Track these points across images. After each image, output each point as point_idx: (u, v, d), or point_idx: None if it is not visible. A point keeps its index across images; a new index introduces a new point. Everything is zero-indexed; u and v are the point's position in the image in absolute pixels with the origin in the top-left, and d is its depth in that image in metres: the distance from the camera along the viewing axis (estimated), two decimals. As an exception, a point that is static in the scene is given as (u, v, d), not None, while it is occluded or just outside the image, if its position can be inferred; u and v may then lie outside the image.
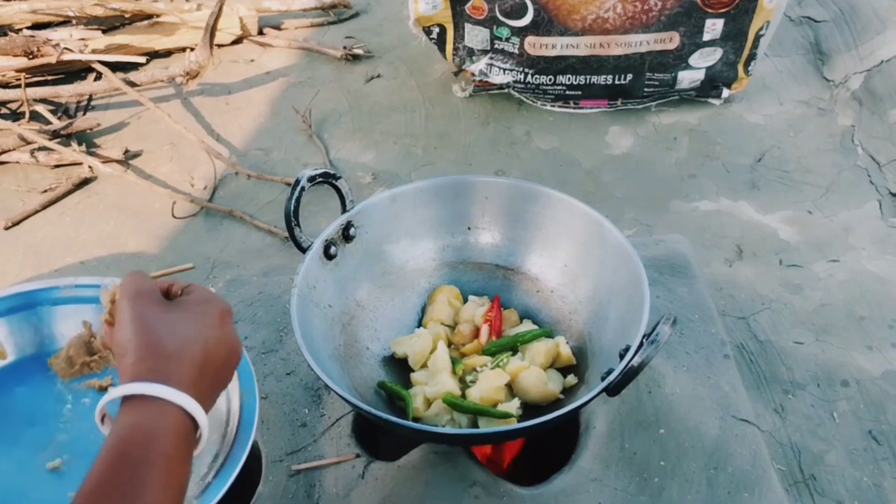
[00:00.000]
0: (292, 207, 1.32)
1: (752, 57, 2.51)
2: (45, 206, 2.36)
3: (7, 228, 2.28)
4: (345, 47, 2.94)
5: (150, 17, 2.94)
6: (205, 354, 0.82)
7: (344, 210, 1.42)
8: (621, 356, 1.17)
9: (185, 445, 0.77)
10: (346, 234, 1.42)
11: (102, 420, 0.83)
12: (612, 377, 1.14)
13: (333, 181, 1.38)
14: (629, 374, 1.12)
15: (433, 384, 1.34)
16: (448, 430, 1.26)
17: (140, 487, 0.71)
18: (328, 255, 1.39)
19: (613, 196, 2.31)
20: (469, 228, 1.53)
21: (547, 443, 1.43)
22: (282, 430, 1.43)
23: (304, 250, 1.36)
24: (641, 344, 1.14)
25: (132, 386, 0.76)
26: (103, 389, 1.27)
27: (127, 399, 0.77)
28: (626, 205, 2.27)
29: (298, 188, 1.31)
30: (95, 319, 1.16)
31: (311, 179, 1.33)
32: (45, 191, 2.42)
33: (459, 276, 1.53)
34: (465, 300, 1.51)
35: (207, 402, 0.81)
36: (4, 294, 1.33)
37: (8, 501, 1.13)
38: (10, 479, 1.16)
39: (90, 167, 2.43)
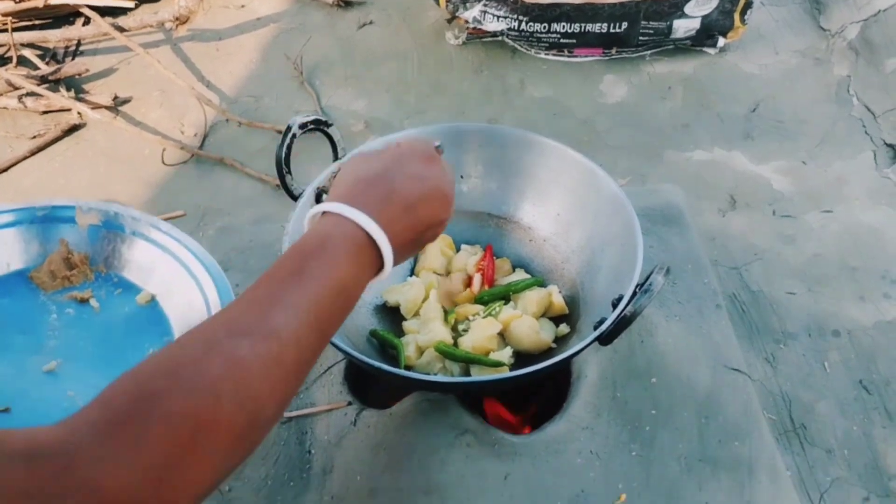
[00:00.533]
0: (283, 154, 1.30)
1: (748, 5, 2.49)
2: (33, 153, 2.34)
3: (-5, 174, 2.27)
4: (337, -7, 2.91)
5: (138, -40, 2.90)
6: (392, 185, 0.88)
7: (336, 157, 1.40)
8: (614, 305, 1.16)
9: (355, 254, 0.82)
10: (338, 182, 1.40)
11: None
12: (604, 326, 1.13)
13: (325, 128, 1.36)
14: (622, 324, 1.11)
15: (425, 333, 1.34)
16: (439, 378, 1.26)
17: (302, 269, 0.77)
18: (320, 203, 1.37)
19: (607, 145, 2.29)
20: (462, 177, 1.51)
21: (539, 391, 1.43)
22: (274, 378, 1.42)
23: (295, 198, 1.34)
24: (634, 293, 1.13)
25: (321, 206, 0.86)
26: (84, 301, 1.31)
27: (323, 215, 0.85)
28: (620, 154, 2.26)
29: (289, 135, 1.29)
30: (72, 238, 1.34)
31: (303, 126, 1.31)
32: (34, 137, 2.40)
33: (452, 226, 1.49)
34: (458, 249, 1.50)
35: (396, 232, 0.86)
36: None
37: (12, 400, 1.16)
38: (10, 381, 1.20)
39: (79, 113, 2.41)
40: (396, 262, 0.87)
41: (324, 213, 0.86)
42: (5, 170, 2.29)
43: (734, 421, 1.34)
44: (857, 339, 1.71)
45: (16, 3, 2.64)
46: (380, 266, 0.86)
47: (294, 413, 1.36)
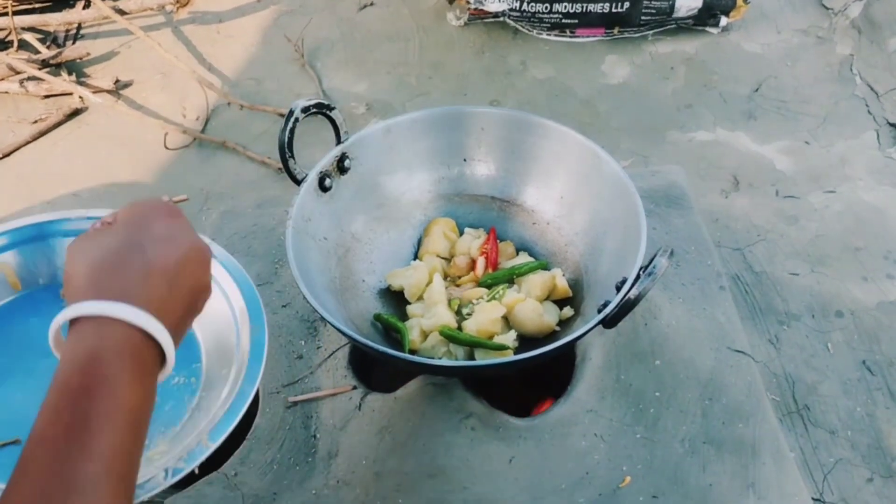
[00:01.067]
0: (286, 139, 1.30)
1: (751, -16, 2.48)
2: (35, 137, 2.34)
3: (-2, 160, 2.27)
4: (337, -26, 2.90)
5: (138, -58, 2.88)
6: (146, 258, 0.71)
7: (338, 141, 1.40)
8: (618, 288, 1.16)
9: (132, 363, 0.67)
10: (340, 166, 1.40)
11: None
12: (608, 309, 1.13)
13: (327, 112, 1.36)
14: (626, 307, 1.11)
15: (429, 317, 1.34)
16: (443, 361, 1.26)
17: (83, 421, 0.63)
18: (323, 188, 1.37)
19: (610, 126, 2.29)
20: (465, 160, 1.51)
21: (543, 374, 1.43)
22: (278, 363, 1.43)
23: (298, 182, 1.34)
24: (638, 276, 1.13)
25: (64, 312, 0.68)
26: None
27: (71, 326, 0.68)
28: (623, 135, 2.25)
29: (292, 119, 1.29)
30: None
31: (305, 110, 1.31)
32: (36, 121, 2.39)
33: (455, 209, 1.52)
34: (461, 232, 1.50)
35: (168, 311, 0.71)
36: (16, 226, 1.32)
37: (25, 431, 1.13)
38: (29, 409, 1.17)
39: (81, 97, 2.41)
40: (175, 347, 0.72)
41: (73, 321, 0.68)
42: (7, 155, 2.28)
43: (738, 402, 1.34)
44: (860, 320, 1.71)
45: (16, -14, 2.64)
46: (162, 362, 0.71)
47: (299, 398, 1.37)
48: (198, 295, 0.77)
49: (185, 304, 0.74)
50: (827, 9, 2.65)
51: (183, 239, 0.75)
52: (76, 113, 2.42)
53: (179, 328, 0.74)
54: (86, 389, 0.64)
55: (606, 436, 1.29)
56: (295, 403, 1.37)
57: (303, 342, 1.46)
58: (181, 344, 0.75)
